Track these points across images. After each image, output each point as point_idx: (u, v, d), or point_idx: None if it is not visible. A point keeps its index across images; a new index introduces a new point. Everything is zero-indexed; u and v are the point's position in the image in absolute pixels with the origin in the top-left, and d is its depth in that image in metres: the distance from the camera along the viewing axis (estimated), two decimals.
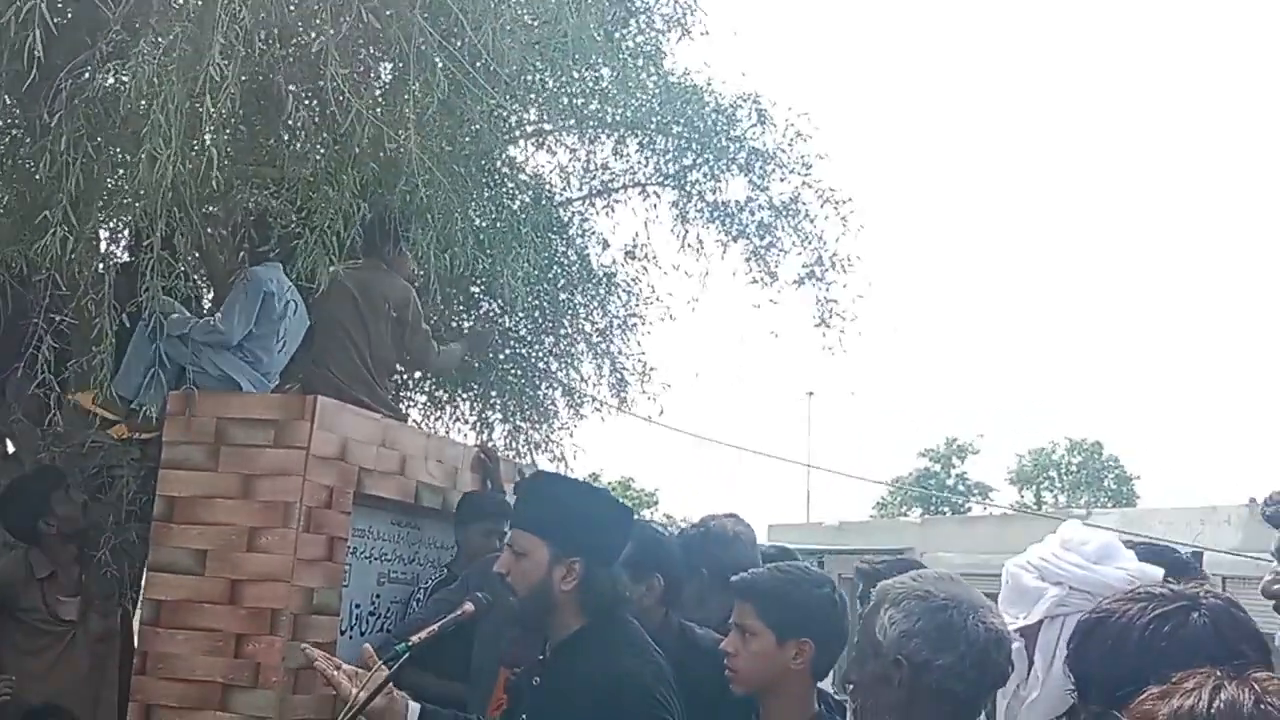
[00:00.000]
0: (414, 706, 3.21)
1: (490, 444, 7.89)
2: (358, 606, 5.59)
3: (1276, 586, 2.53)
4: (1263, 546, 4.48)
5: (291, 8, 4.61)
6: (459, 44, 4.66)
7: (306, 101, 4.93)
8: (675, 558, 4.16)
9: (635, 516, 3.96)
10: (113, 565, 5.29)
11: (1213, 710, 1.73)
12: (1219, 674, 1.78)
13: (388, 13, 4.58)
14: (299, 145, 5.19)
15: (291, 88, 4.69)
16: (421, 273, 5.76)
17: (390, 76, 5.34)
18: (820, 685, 3.28)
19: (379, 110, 4.77)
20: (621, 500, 3.86)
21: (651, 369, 9.15)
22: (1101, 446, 53.74)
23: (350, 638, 5.50)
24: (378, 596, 5.75)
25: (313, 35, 4.80)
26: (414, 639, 3.10)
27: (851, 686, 2.57)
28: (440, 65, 4.59)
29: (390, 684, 3.12)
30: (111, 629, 5.23)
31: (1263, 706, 1.67)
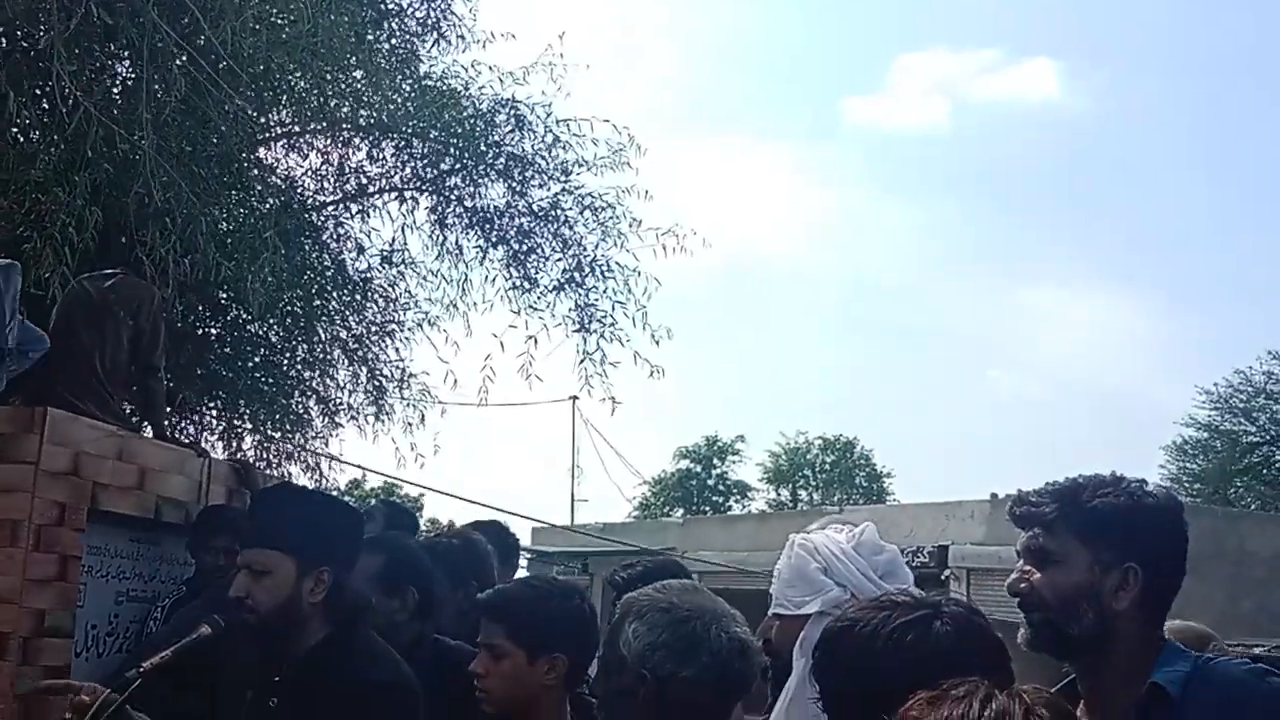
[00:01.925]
0: None
1: (240, 454, 7.67)
2: (94, 627, 5.32)
3: (1022, 585, 2.62)
4: (1004, 539, 4.66)
5: (18, 3, 4.36)
6: (199, 42, 4.49)
7: (34, 99, 4.67)
8: (429, 570, 4.08)
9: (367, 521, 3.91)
10: None
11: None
12: (986, 684, 1.82)
13: (121, 6, 4.37)
14: (25, 146, 4.93)
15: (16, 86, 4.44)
16: (161, 279, 5.52)
17: (126, 75, 5.11)
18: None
19: (113, 110, 4.56)
20: (353, 505, 3.80)
21: (410, 375, 9.06)
22: (854, 445, 55.55)
23: (87, 659, 5.24)
24: (116, 616, 5.49)
25: (40, 31, 4.56)
26: (145, 664, 2.98)
27: (596, 700, 2.57)
28: (179, 64, 4.42)
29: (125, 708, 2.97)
30: None
31: (1031, 719, 1.71)
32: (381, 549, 4.07)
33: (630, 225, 8.59)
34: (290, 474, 8.39)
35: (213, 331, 7.70)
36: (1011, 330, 73.42)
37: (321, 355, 8.47)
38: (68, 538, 4.94)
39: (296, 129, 7.73)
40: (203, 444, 8.01)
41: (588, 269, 8.63)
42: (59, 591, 4.91)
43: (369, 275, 8.62)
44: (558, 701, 3.13)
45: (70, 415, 5.03)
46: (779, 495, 54.57)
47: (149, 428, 6.19)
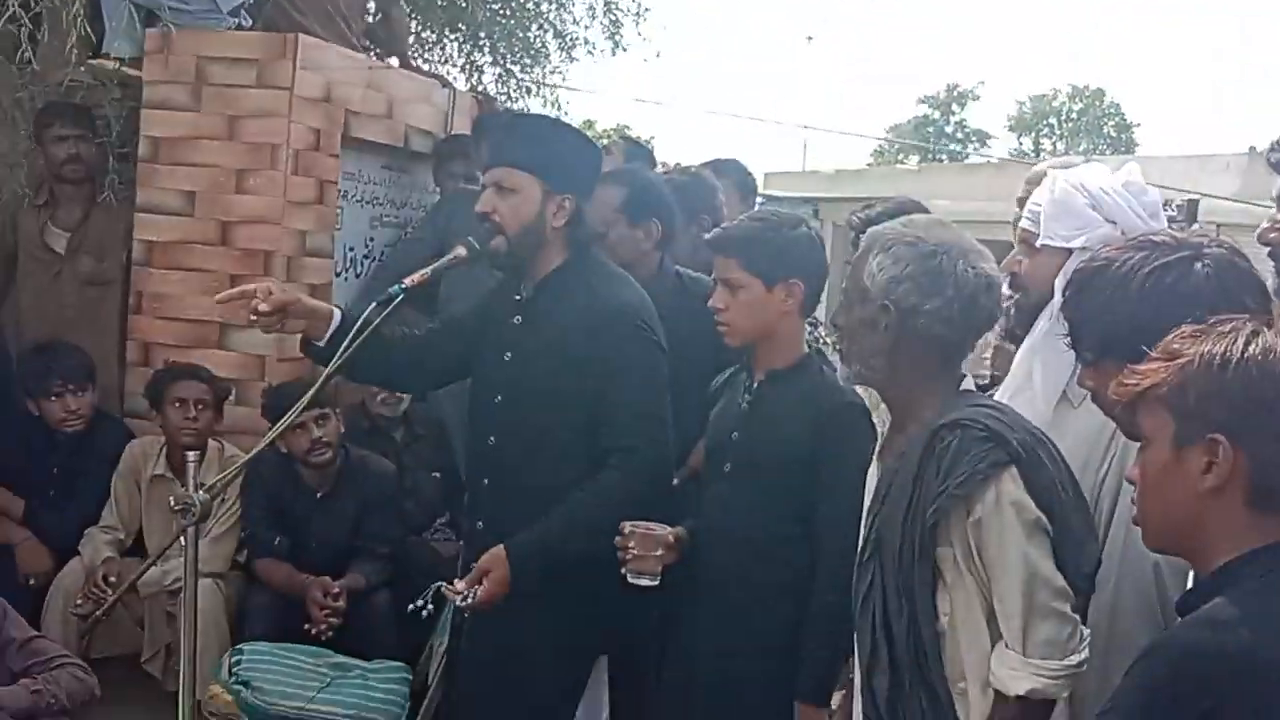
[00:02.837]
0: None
1: (481, 87, 7.75)
2: (351, 249, 5.61)
3: (1274, 234, 2.47)
4: (1260, 194, 4.41)
5: None
6: None
7: None
8: (672, 203, 4.12)
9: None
10: (116, 208, 5.23)
11: (1246, 356, 1.73)
12: (1253, 321, 1.77)
13: None
14: None
15: None
16: None
17: None
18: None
19: None
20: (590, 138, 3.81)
21: (647, 9, 8.89)
22: (1103, 93, 52.98)
23: (345, 280, 5.55)
24: (371, 239, 5.76)
25: None
26: (407, 281, 3.09)
27: (838, 330, 2.58)
28: None
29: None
30: (104, 274, 5.17)
31: None
32: (624, 181, 4.11)
33: None
34: (528, 108, 8.45)
35: None
36: None
37: None
38: (324, 162, 5.14)
39: None
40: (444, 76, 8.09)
41: None
42: (318, 214, 5.16)
43: None
44: (795, 326, 3.18)
45: (320, 42, 5.13)
46: (1020, 144, 52.79)
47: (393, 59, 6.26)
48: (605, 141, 5.55)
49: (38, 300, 5.19)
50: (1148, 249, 2.23)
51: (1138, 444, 1.92)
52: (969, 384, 2.52)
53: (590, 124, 29.48)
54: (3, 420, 4.90)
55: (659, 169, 5.88)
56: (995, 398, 2.64)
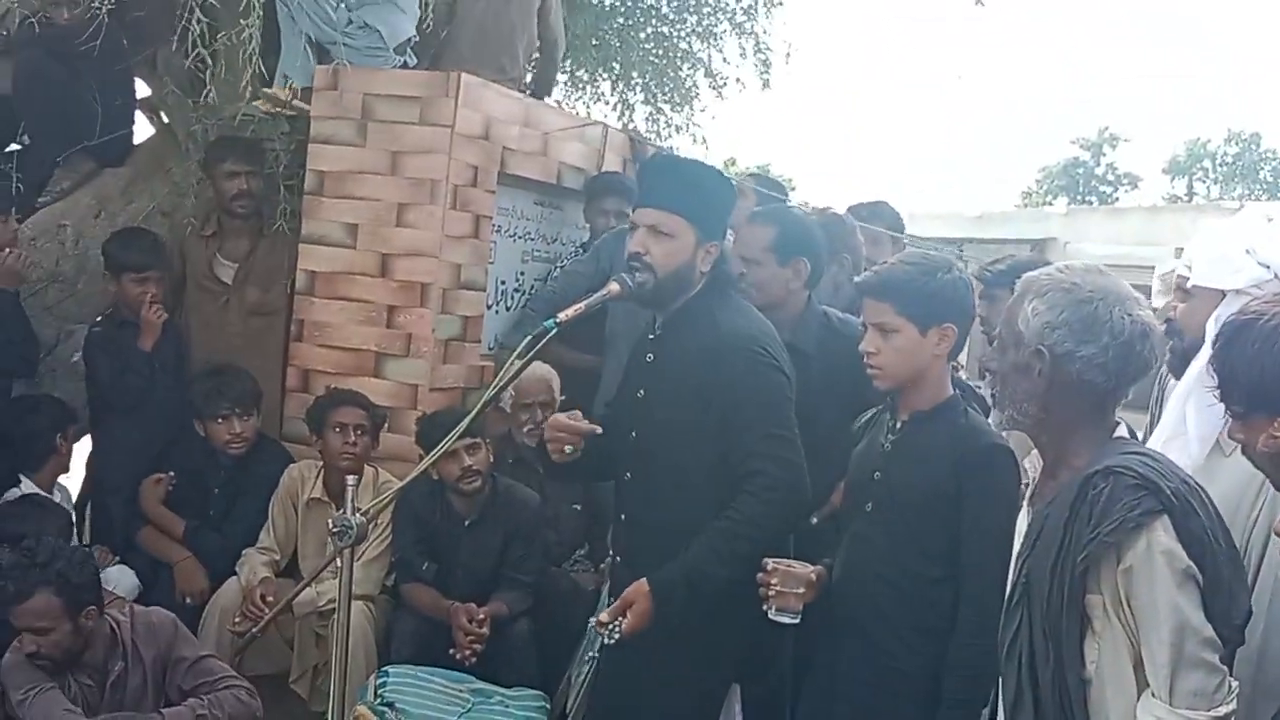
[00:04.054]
0: None
1: (632, 126, 7.87)
2: (503, 283, 5.73)
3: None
4: None
5: None
6: None
7: None
8: (821, 243, 4.15)
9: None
10: (282, 239, 5.44)
11: None
12: None
13: None
14: None
15: None
16: None
17: None
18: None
19: None
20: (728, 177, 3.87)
21: (795, 48, 8.93)
22: (1260, 138, 51.48)
23: (496, 313, 5.67)
24: (522, 274, 5.88)
25: None
26: (562, 316, 3.15)
27: (990, 376, 2.59)
28: None
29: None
30: (269, 304, 5.39)
31: None
32: (774, 220, 4.15)
33: None
34: (677, 146, 8.55)
35: (607, 2, 7.78)
36: None
37: (709, 27, 8.46)
38: (481, 198, 5.28)
39: None
40: (596, 115, 8.25)
41: None
42: (473, 248, 5.29)
43: None
44: (943, 370, 3.19)
45: (481, 81, 5.27)
46: (1172, 188, 51.49)
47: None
48: (740, 180, 5.58)
49: (205, 329, 5.41)
50: None
51: None
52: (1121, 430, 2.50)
53: (732, 161, 29.52)
54: (176, 442, 5.12)
55: (801, 208, 5.91)
56: (1149, 444, 2.63)
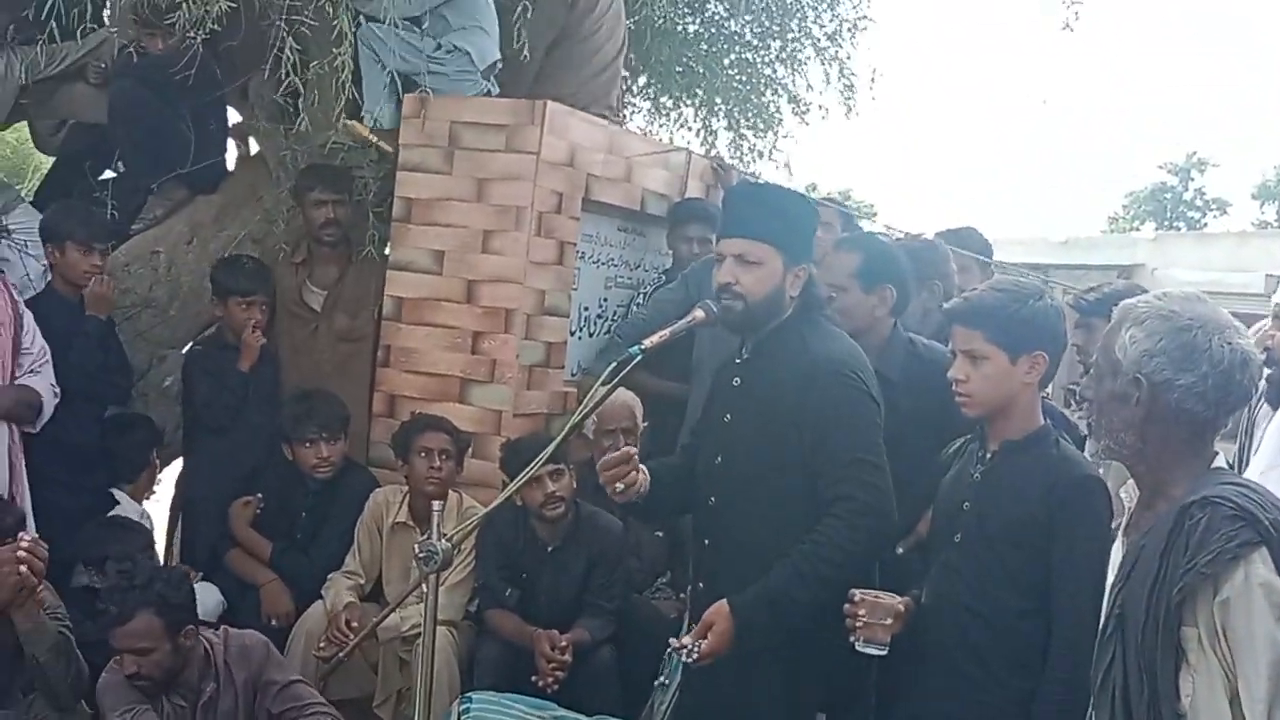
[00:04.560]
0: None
1: (715, 153, 7.87)
2: (586, 309, 5.75)
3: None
4: None
5: None
6: None
7: None
8: (906, 270, 4.13)
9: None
10: (370, 266, 5.52)
11: None
12: None
13: None
14: None
15: None
16: None
17: None
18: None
19: None
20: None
21: (880, 74, 8.91)
22: None
23: (579, 339, 5.69)
24: (605, 300, 5.90)
25: None
26: (647, 343, 3.17)
27: (1087, 404, 2.55)
28: None
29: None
30: (358, 330, 5.46)
31: None
32: (859, 247, 4.15)
33: None
34: (760, 172, 8.54)
35: (690, 29, 7.81)
36: None
37: (794, 53, 8.45)
38: (565, 224, 5.31)
39: None
40: (679, 142, 8.27)
41: None
42: (557, 274, 5.32)
43: None
44: (1033, 398, 3.16)
45: (566, 109, 5.31)
46: (1263, 213, 50.54)
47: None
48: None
49: (295, 354, 5.49)
50: None
51: None
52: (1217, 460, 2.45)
53: (813, 187, 29.42)
54: (265, 465, 5.20)
55: (885, 232, 5.88)
56: (1246, 473, 2.57)
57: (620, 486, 3.37)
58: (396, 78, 5.36)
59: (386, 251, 5.47)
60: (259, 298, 5.39)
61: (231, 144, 6.34)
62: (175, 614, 3.82)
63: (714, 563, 3.53)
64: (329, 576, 4.94)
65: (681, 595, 4.89)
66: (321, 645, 4.61)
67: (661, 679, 4.05)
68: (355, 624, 4.57)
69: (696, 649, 3.22)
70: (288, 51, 4.96)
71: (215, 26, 4.98)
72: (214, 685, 3.94)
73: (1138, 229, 43.10)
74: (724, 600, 3.25)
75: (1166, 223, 46.15)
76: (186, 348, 5.82)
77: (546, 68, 5.98)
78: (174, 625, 3.81)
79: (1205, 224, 47.34)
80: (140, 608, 3.75)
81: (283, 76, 5.02)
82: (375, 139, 5.43)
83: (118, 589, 3.79)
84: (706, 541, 3.56)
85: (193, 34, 5.13)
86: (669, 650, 3.39)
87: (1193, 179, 50.90)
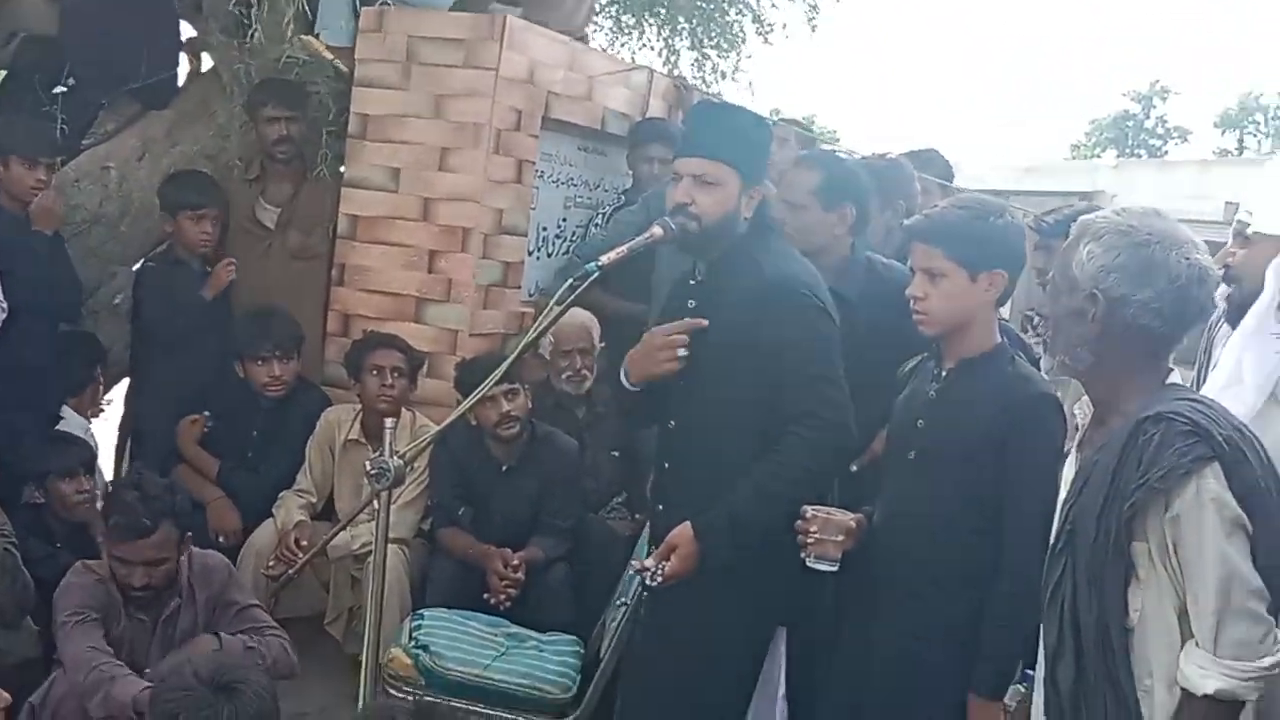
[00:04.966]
0: None
1: (677, 72, 7.79)
2: (544, 229, 5.69)
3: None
4: None
5: None
6: None
7: None
8: (866, 189, 4.10)
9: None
10: (324, 183, 5.44)
11: None
12: None
13: None
14: None
15: None
16: None
17: None
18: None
19: None
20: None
21: None
22: None
23: (537, 259, 5.64)
24: (564, 220, 5.85)
25: None
26: (604, 259, 3.14)
27: (1043, 322, 2.54)
28: None
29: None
30: (312, 248, 5.38)
31: None
32: (820, 165, 4.10)
33: None
34: (722, 93, 8.46)
35: None
36: None
37: None
38: (524, 142, 5.24)
39: None
40: (642, 60, 8.16)
41: None
42: (515, 193, 5.25)
43: None
44: (991, 316, 3.14)
45: (527, 24, 5.21)
46: (1223, 141, 50.76)
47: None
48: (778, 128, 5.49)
49: (247, 272, 5.38)
50: None
51: None
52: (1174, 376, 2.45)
53: (777, 111, 29.29)
54: (216, 383, 5.14)
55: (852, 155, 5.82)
56: (1203, 391, 2.57)
57: (682, 353, 3.32)
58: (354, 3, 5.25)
59: (342, 169, 5.38)
60: (209, 211, 5.28)
61: (184, 58, 6.20)
62: (187, 522, 3.88)
63: (674, 484, 3.51)
64: (280, 495, 4.91)
65: (637, 515, 4.90)
66: (271, 564, 4.59)
67: (622, 599, 4.05)
68: (305, 542, 4.56)
69: (661, 571, 3.22)
70: None
71: None
72: (177, 601, 3.92)
73: (1099, 156, 43.21)
74: (687, 523, 3.25)
75: (1128, 150, 46.32)
76: (138, 264, 5.73)
77: None
78: (184, 535, 3.86)
79: (1166, 152, 47.55)
80: (162, 519, 3.76)
81: None
82: (330, 55, 5.32)
83: (140, 502, 3.76)
84: (666, 465, 3.55)
85: None
86: (629, 572, 3.38)
87: (1155, 107, 51.01)
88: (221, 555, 4.18)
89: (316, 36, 5.33)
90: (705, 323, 3.34)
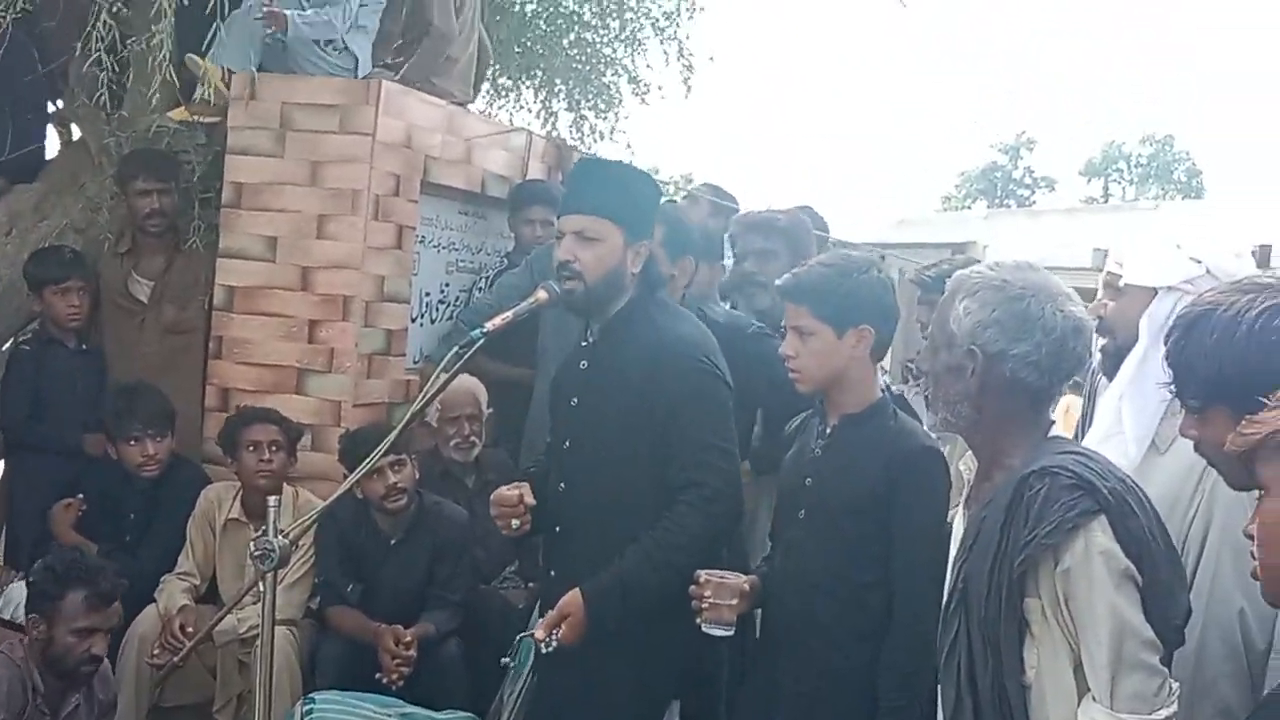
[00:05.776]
0: None
1: (556, 133, 7.81)
2: (428, 295, 5.64)
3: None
4: None
5: None
6: None
7: None
8: (699, 240, 4.28)
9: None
10: (198, 254, 5.31)
11: None
12: None
13: None
14: None
15: None
16: None
17: None
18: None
19: None
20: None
21: (714, 56, 8.95)
22: (1173, 140, 52.48)
23: (421, 325, 5.58)
24: (447, 285, 5.80)
25: None
26: (489, 325, 3.10)
27: (923, 378, 2.55)
28: None
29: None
30: (187, 322, 5.24)
31: None
32: (662, 218, 4.11)
33: None
34: (601, 154, 8.50)
35: (529, 8, 7.71)
36: None
37: (633, 32, 8.42)
38: (404, 207, 5.19)
39: None
40: (520, 123, 8.17)
41: None
42: (396, 259, 5.19)
43: None
44: (867, 371, 3.16)
45: (402, 88, 5.18)
46: (1089, 189, 52.31)
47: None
48: (686, 192, 5.53)
49: (122, 348, 5.25)
50: (1254, 291, 2.17)
51: (1238, 491, 1.87)
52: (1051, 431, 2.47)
53: (656, 170, 29.57)
54: (91, 466, 4.98)
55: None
56: (1085, 443, 2.60)
57: (515, 524, 3.33)
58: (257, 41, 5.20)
59: (216, 239, 5.27)
60: (74, 283, 5.14)
61: (52, 130, 6.06)
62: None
63: (565, 549, 3.46)
64: (162, 579, 4.73)
65: (530, 584, 4.82)
66: (156, 652, 4.43)
67: (510, 662, 3.97)
68: (190, 628, 4.40)
69: (554, 640, 3.17)
70: (99, 28, 4.72)
71: (28, 6, 4.74)
72: (77, 699, 3.84)
73: (970, 207, 44.24)
74: (577, 589, 3.20)
75: (998, 200, 47.52)
76: (7, 344, 5.55)
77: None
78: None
79: (1034, 201, 48.85)
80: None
81: (94, 52, 4.76)
82: (197, 117, 5.23)
83: (101, 569, 3.87)
84: (557, 528, 3.50)
85: (4, 12, 4.87)
86: (518, 637, 3.32)
87: (1021, 158, 52.45)
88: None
89: (196, 88, 5.23)
90: (527, 494, 3.34)
